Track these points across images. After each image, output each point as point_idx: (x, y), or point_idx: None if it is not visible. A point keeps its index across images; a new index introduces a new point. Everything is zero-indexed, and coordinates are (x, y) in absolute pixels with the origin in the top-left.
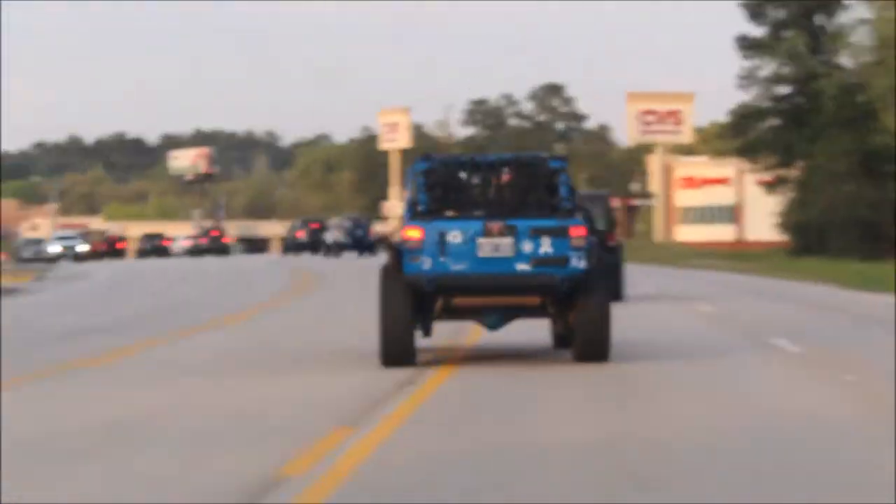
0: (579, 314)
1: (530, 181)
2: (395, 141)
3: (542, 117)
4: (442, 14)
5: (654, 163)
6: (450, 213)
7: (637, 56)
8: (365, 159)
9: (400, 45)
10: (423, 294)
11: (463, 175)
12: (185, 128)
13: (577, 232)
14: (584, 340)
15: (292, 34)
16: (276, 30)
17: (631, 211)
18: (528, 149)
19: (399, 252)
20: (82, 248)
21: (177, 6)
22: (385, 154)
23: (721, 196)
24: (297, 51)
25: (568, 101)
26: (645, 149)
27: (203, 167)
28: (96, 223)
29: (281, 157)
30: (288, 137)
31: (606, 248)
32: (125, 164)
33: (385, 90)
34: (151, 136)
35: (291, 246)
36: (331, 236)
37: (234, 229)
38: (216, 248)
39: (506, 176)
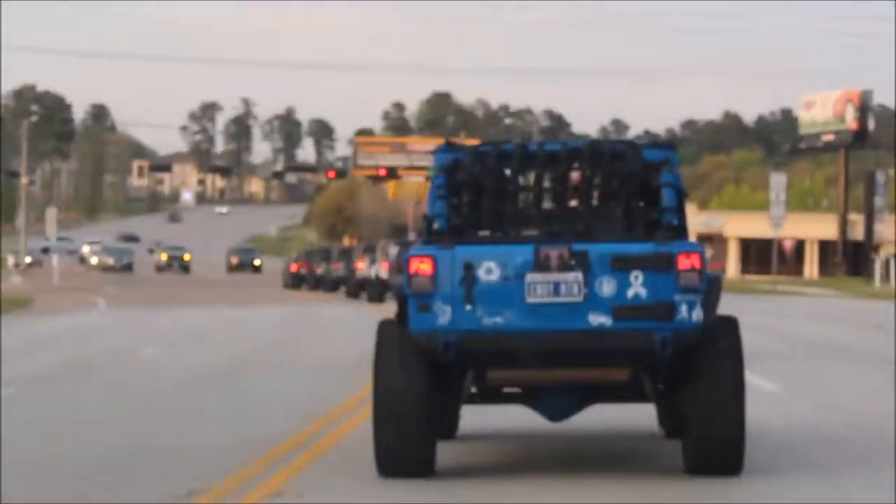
0: (693, 397)
1: (613, 182)
2: None
3: None
4: None
5: None
6: (483, 234)
7: None
8: None
9: None
10: (440, 365)
11: (507, 174)
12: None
13: (689, 263)
14: (704, 440)
15: None
16: None
17: None
18: None
19: (403, 297)
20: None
21: None
22: None
23: None
24: None
25: None
26: None
27: (851, 121)
28: None
29: None
30: None
31: None
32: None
33: None
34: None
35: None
36: (374, 270)
37: None
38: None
39: (576, 175)
